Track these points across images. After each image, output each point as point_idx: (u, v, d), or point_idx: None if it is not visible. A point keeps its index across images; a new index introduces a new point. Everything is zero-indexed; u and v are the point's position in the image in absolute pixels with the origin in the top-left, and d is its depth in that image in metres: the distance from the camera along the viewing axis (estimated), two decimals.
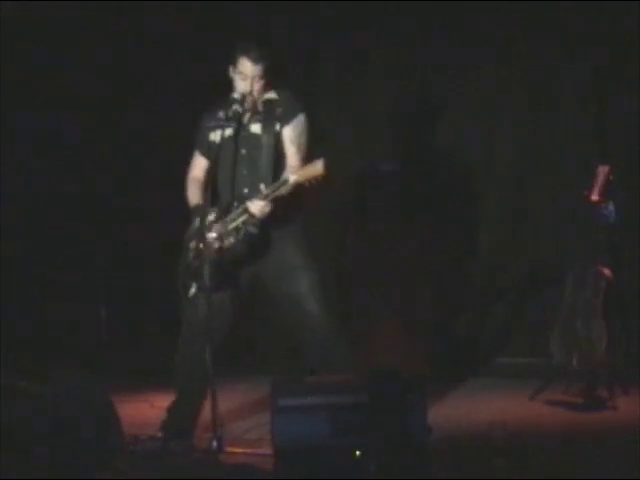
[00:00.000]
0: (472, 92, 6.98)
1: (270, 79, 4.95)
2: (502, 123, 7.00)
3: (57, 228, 6.99)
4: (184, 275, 4.94)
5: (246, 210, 4.77)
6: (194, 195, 5.05)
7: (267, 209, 4.74)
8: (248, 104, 4.93)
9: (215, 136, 4.96)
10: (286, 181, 4.69)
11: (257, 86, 4.91)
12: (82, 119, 7.08)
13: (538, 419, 5.50)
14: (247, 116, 4.98)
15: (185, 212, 5.09)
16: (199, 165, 5.11)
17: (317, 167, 4.64)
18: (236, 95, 4.91)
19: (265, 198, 4.73)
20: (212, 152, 4.98)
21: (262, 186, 4.78)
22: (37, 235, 6.93)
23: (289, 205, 4.85)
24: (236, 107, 4.92)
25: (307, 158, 4.88)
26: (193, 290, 4.89)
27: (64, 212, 7.04)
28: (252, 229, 4.80)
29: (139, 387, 6.25)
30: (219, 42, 6.41)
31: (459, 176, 7.02)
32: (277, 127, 4.95)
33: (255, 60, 4.87)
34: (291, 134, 4.95)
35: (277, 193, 4.72)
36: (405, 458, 4.35)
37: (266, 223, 4.85)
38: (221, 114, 4.95)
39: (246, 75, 4.88)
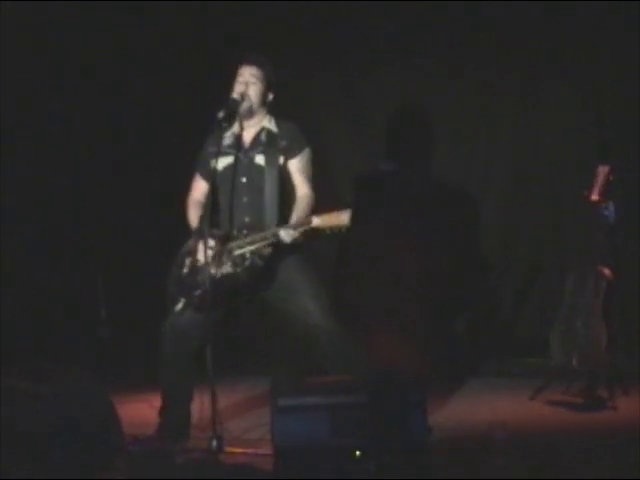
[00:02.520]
0: (472, 92, 6.98)
1: (269, 90, 4.98)
2: (502, 123, 7.00)
3: (57, 228, 6.99)
4: (173, 287, 4.96)
5: (274, 235, 4.73)
6: (195, 217, 5.08)
7: (297, 238, 4.71)
8: (243, 109, 4.94)
9: (216, 162, 4.97)
10: (309, 222, 4.67)
11: (253, 89, 4.94)
12: (83, 119, 7.08)
13: (538, 419, 5.50)
14: (247, 144, 5.00)
15: (185, 212, 5.12)
16: (199, 188, 5.14)
17: (342, 217, 4.59)
18: (235, 95, 4.94)
19: (296, 228, 4.71)
20: (212, 177, 4.98)
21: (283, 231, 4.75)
22: (37, 235, 6.92)
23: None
24: (235, 131, 4.96)
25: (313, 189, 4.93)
26: (180, 305, 4.90)
27: (64, 212, 7.04)
28: (258, 261, 4.78)
29: (139, 387, 6.24)
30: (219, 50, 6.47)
31: (459, 176, 7.02)
32: (281, 160, 4.96)
33: (249, 61, 4.93)
34: (298, 165, 4.97)
35: (299, 229, 4.71)
36: (405, 458, 4.36)
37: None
38: (220, 118, 4.94)
39: (243, 77, 4.94)
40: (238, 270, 4.79)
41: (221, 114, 4.96)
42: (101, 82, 7.10)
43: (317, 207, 4.78)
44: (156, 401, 5.17)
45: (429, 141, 7.08)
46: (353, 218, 4.59)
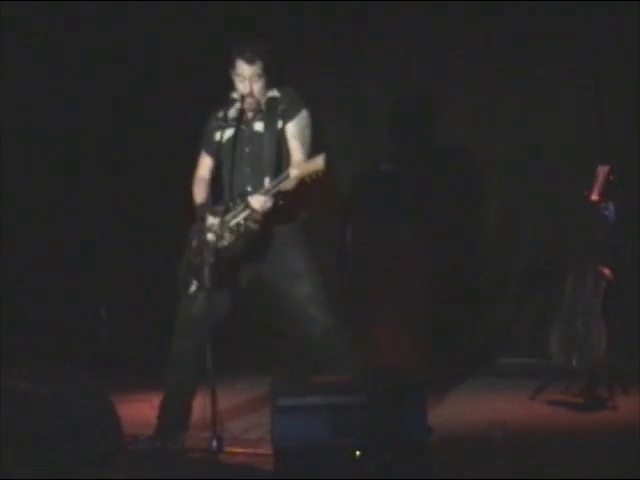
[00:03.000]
0: (472, 92, 6.97)
1: (270, 76, 4.96)
2: (502, 123, 7.00)
3: (57, 228, 6.99)
4: (184, 272, 4.96)
5: (247, 205, 4.78)
6: (200, 194, 5.09)
7: (268, 204, 4.75)
8: (249, 104, 4.95)
9: (219, 135, 4.97)
10: (287, 176, 4.69)
11: (257, 86, 4.93)
12: (83, 119, 7.08)
13: (538, 419, 5.50)
14: (250, 115, 5.00)
15: (185, 212, 5.11)
16: (205, 164, 5.14)
17: (317, 162, 4.63)
18: (235, 95, 4.97)
19: (267, 193, 4.75)
20: (216, 151, 5.01)
21: (267, 180, 4.82)
22: (37, 235, 6.92)
23: (292, 209, 4.87)
24: (237, 106, 4.97)
25: (310, 154, 4.88)
26: (193, 288, 4.90)
27: (64, 212, 7.04)
28: (252, 225, 4.80)
29: (139, 387, 6.24)
30: (219, 39, 6.43)
31: (459, 176, 7.02)
32: (279, 124, 4.96)
33: (250, 60, 4.89)
34: (294, 130, 4.96)
35: (279, 188, 4.72)
36: (405, 458, 4.36)
37: (269, 226, 4.86)
38: (221, 114, 4.99)
39: (244, 77, 4.91)
40: (236, 238, 4.81)
41: (221, 114, 4.99)
42: (101, 83, 7.09)
43: (317, 209, 4.77)
44: (157, 401, 5.17)
45: (429, 141, 7.08)
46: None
